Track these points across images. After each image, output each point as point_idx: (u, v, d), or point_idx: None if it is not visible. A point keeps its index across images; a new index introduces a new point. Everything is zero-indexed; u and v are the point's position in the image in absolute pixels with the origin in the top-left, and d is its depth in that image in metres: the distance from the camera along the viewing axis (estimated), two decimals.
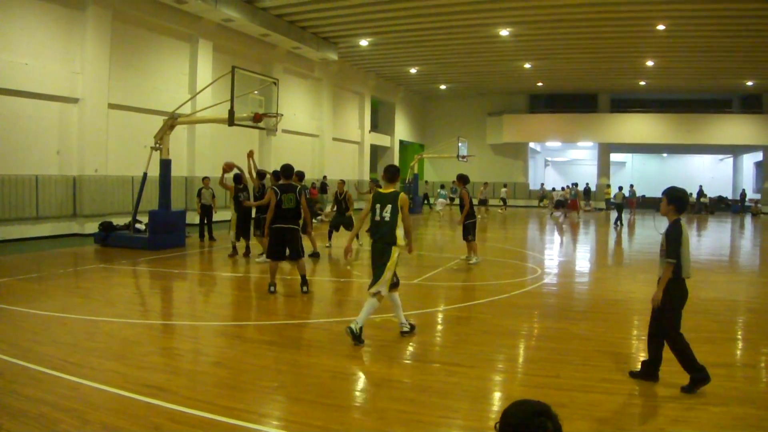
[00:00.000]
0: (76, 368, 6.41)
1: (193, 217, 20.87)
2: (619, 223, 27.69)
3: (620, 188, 30.33)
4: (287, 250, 10.78)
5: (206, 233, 18.92)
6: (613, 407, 5.63)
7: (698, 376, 5.99)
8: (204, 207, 18.77)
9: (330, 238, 17.60)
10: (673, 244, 5.96)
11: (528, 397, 2.37)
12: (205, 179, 19.22)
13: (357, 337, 7.46)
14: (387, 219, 7.77)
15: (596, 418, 5.36)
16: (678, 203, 6.17)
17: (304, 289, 10.90)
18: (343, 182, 18.47)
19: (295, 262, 11.02)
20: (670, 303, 6.08)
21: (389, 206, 7.77)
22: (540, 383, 6.32)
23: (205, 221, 18.89)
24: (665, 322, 6.16)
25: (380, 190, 8.00)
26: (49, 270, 13.33)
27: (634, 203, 34.94)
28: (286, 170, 11.01)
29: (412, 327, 8.20)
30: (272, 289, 10.87)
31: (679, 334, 6.10)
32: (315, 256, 15.35)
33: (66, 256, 15.87)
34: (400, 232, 7.79)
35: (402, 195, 7.86)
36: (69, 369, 6.36)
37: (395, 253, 7.77)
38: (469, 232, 14.79)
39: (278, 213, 10.53)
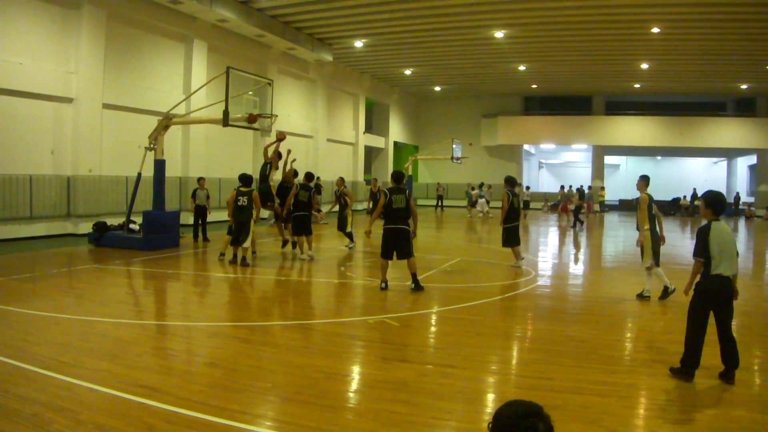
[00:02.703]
0: (70, 368, 6.40)
1: (187, 218, 20.84)
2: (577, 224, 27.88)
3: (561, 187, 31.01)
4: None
5: (200, 234, 18.91)
6: (607, 409, 5.64)
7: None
8: (198, 208, 18.73)
9: (352, 239, 17.77)
10: None
11: (521, 398, 2.38)
12: (200, 180, 19.17)
13: (641, 295, 10.82)
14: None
15: (590, 420, 5.36)
16: (717, 206, 6.64)
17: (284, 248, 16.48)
18: (342, 180, 19.06)
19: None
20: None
21: (653, 205, 10.77)
22: (533, 385, 6.34)
23: (200, 222, 18.88)
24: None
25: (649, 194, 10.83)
26: (42, 270, 13.29)
27: (590, 205, 35.37)
28: (306, 176, 16.09)
29: (674, 290, 10.54)
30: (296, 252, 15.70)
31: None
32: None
33: (60, 256, 15.83)
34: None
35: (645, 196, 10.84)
36: (62, 369, 6.35)
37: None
38: (510, 236, 14.60)
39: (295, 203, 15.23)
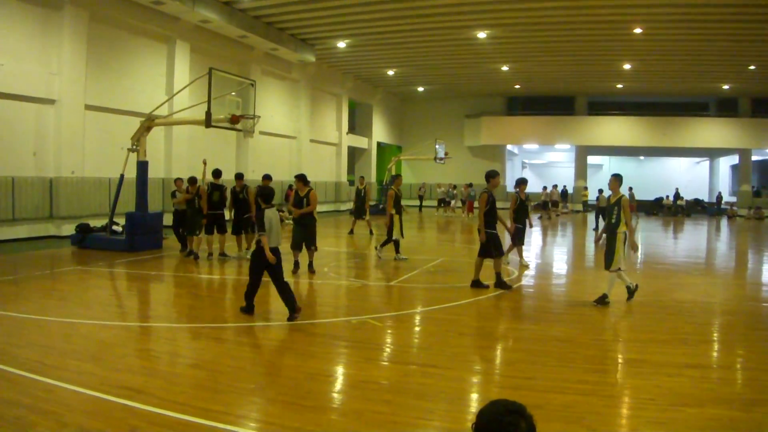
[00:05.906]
0: (53, 370, 6.37)
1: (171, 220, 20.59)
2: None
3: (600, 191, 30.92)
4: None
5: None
6: (589, 408, 5.68)
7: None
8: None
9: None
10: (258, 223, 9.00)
11: (504, 398, 2.41)
12: (177, 181, 17.38)
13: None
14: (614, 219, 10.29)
15: (572, 419, 5.41)
16: (264, 197, 9.19)
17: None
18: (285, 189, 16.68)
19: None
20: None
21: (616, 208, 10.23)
22: (516, 384, 6.38)
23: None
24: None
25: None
26: (25, 272, 13.19)
27: (634, 207, 35.56)
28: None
29: (637, 287, 10.54)
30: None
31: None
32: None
33: (42, 258, 15.71)
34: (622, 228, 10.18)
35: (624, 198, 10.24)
36: (45, 371, 6.32)
37: (619, 241, 10.07)
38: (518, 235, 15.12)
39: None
